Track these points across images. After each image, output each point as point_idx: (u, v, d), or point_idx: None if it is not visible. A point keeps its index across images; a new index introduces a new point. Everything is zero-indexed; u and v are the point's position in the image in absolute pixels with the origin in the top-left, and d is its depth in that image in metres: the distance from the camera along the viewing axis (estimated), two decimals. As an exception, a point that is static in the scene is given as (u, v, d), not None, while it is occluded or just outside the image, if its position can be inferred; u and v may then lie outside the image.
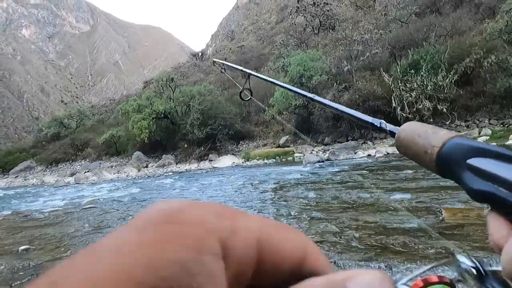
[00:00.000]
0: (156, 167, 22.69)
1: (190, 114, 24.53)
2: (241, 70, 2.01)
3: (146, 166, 23.93)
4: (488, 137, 13.91)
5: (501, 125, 15.15)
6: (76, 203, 9.52)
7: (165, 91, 27.85)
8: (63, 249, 4.68)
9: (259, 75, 1.79)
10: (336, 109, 0.90)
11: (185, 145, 24.46)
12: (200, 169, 18.89)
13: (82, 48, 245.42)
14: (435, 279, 0.38)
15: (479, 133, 14.70)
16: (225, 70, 2.61)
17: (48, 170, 32.03)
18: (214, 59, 2.99)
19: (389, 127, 0.67)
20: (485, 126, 15.42)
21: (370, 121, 0.73)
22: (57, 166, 32.42)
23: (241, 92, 1.90)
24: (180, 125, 25.12)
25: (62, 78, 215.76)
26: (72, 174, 25.56)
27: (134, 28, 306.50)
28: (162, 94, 27.98)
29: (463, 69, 16.63)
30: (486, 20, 19.05)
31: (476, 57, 16.30)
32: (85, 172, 24.78)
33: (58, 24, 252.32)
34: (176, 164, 22.85)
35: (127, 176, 20.08)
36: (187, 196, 8.74)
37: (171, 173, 18.70)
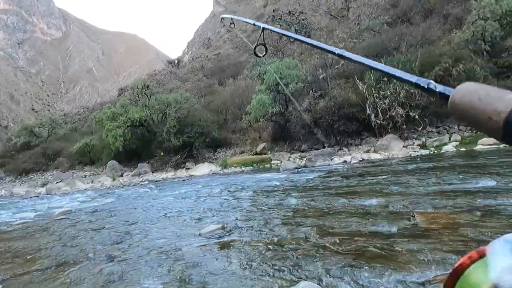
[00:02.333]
0: (131, 176, 22.24)
1: (166, 122, 24.22)
2: (253, 24, 1.84)
3: (121, 175, 23.41)
4: (458, 143, 14.40)
5: (470, 131, 15.72)
6: (47, 215, 9.20)
7: (141, 98, 27.40)
8: (32, 263, 4.51)
9: (273, 28, 1.65)
10: (374, 67, 0.80)
11: (161, 153, 24.11)
12: (177, 178, 18.65)
13: (54, 55, 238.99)
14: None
15: (449, 138, 15.20)
16: (234, 25, 2.39)
17: (17, 181, 30.85)
18: (223, 15, 2.72)
19: (440, 88, 0.57)
20: (454, 132, 15.95)
21: (415, 81, 0.62)
22: (28, 176, 31.28)
23: (255, 48, 1.73)
24: (156, 133, 24.76)
25: (33, 85, 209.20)
26: (43, 185, 24.70)
27: (108, 35, 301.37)
28: (137, 101, 27.51)
29: (433, 77, 17.19)
30: (454, 31, 19.80)
31: (445, 65, 16.90)
32: (57, 182, 23.98)
33: (28, 30, 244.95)
34: (152, 172, 22.47)
35: (101, 185, 19.59)
36: (163, 206, 8.60)
37: (147, 182, 18.38)
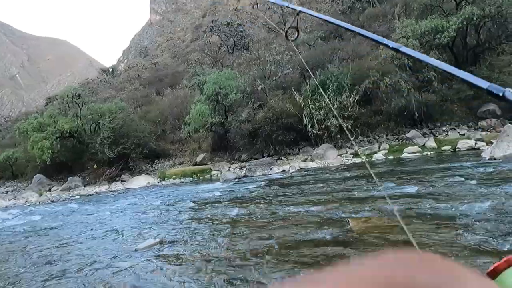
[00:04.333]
0: (61, 190, 20.74)
1: (100, 132, 23.05)
2: (287, 7, 1.70)
3: (49, 190, 21.74)
4: (386, 151, 15.41)
5: (397, 140, 16.92)
6: (-41, 237, 8.22)
7: (71, 108, 25.80)
8: None
9: (310, 11, 1.51)
10: (441, 68, 0.67)
11: (94, 166, 22.82)
12: (112, 191, 17.76)
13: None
14: None
15: (379, 147, 16.22)
16: (257, 6, 2.04)
17: None
18: None
19: None
20: (383, 141, 17.07)
21: (486, 87, 0.52)
22: None
23: (286, 32, 1.58)
24: (89, 144, 23.42)
25: None
26: (-45, 203, 22.12)
27: (36, 40, 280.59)
28: (67, 111, 25.88)
29: (363, 90, 18.31)
30: (380, 47, 21.32)
31: (374, 79, 18.09)
32: (-27, 200, 21.65)
33: None
34: (84, 186, 21.15)
35: (26, 202, 18.04)
36: (96, 222, 8.11)
37: (78, 197, 17.28)
